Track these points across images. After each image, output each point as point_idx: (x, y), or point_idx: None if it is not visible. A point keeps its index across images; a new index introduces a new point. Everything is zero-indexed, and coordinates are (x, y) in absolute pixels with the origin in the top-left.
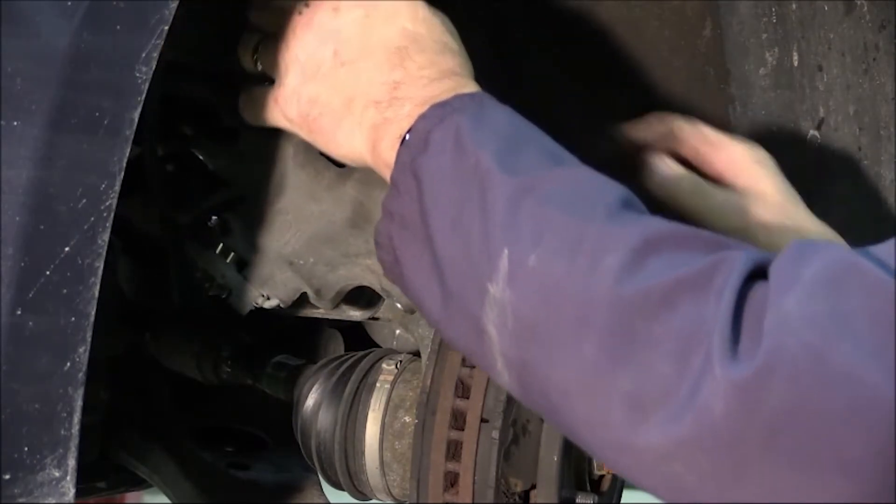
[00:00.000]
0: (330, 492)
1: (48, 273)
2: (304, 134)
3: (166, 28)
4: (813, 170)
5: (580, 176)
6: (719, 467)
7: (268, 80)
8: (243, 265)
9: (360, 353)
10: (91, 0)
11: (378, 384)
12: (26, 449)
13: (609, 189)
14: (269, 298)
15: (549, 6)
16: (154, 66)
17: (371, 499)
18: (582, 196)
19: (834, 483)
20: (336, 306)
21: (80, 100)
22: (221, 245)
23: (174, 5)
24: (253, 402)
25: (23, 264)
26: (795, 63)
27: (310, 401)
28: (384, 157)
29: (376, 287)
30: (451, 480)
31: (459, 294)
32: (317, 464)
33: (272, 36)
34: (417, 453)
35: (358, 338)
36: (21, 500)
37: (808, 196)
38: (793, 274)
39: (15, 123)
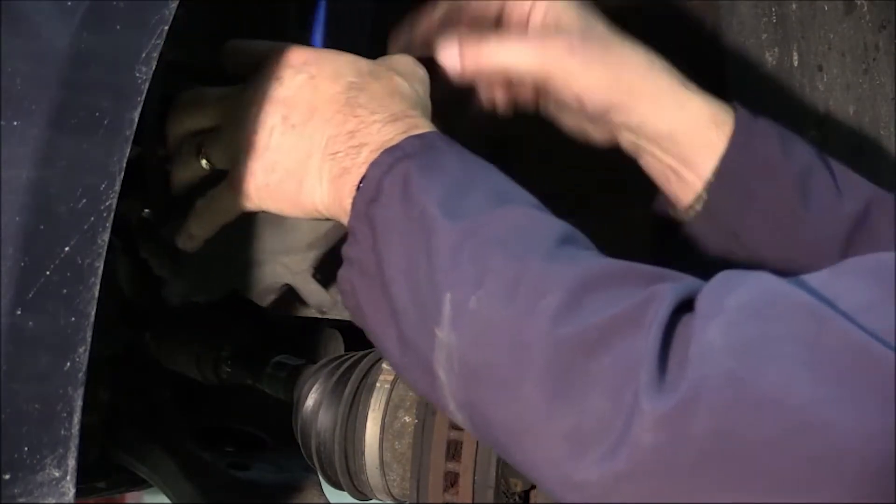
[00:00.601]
0: (330, 492)
1: (48, 273)
2: (270, 205)
3: (166, 28)
4: None
5: (521, 215)
6: (657, 498)
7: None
8: (177, 259)
9: (360, 353)
10: (91, 0)
11: (378, 384)
12: (26, 449)
13: (549, 227)
14: (200, 293)
15: None
16: (154, 66)
17: (371, 499)
18: (521, 236)
19: None
20: (272, 303)
21: (80, 100)
22: (156, 237)
23: (174, 5)
24: (253, 402)
25: (23, 264)
26: (795, 63)
27: (310, 401)
28: (345, 206)
29: (292, 284)
30: (451, 480)
31: (413, 340)
32: (317, 464)
33: (214, 129)
34: (417, 453)
35: (358, 338)
36: (21, 500)
37: None
38: (717, 303)
39: (15, 123)
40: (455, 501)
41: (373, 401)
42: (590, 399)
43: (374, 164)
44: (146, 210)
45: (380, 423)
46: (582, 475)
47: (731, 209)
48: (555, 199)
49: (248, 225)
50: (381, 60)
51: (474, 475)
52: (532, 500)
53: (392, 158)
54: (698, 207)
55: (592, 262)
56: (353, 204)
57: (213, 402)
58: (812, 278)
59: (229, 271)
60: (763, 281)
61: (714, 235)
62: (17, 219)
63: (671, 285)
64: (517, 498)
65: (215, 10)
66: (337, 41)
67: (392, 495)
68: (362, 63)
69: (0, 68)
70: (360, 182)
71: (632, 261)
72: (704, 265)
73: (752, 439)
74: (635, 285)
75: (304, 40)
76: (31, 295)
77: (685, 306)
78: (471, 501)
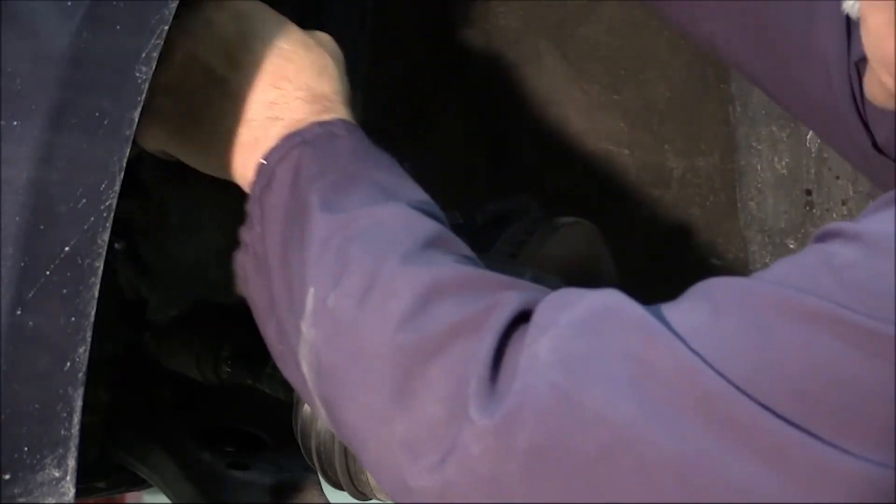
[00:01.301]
0: (330, 492)
1: (48, 273)
2: (177, 150)
3: (166, 28)
4: (813, 169)
5: (393, 214)
6: None
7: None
8: (148, 272)
9: None
10: (91, 0)
11: None
12: (26, 449)
13: (418, 228)
14: (174, 307)
15: (550, 7)
16: (154, 66)
17: (371, 499)
18: (388, 235)
19: None
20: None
21: (80, 100)
22: (125, 250)
23: (174, 5)
24: (253, 402)
25: (23, 264)
26: None
27: None
28: (247, 178)
29: None
30: None
31: (286, 331)
32: (317, 464)
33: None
34: None
35: None
36: (21, 500)
37: (809, 195)
38: (552, 317)
39: (15, 123)
40: None
41: None
42: (426, 405)
43: (273, 150)
44: (117, 244)
45: None
46: (416, 482)
47: None
48: (553, 201)
49: (209, 230)
50: (310, 34)
51: None
52: None
53: (290, 144)
54: None
55: (446, 268)
56: (252, 188)
57: (213, 402)
58: (668, 307)
59: (199, 280)
60: (602, 297)
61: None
62: (17, 219)
63: (516, 294)
64: None
65: None
66: (337, 41)
67: None
68: (296, 32)
69: (0, 68)
70: (261, 164)
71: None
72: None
73: (579, 454)
74: (482, 293)
75: None
76: (31, 295)
77: (527, 317)
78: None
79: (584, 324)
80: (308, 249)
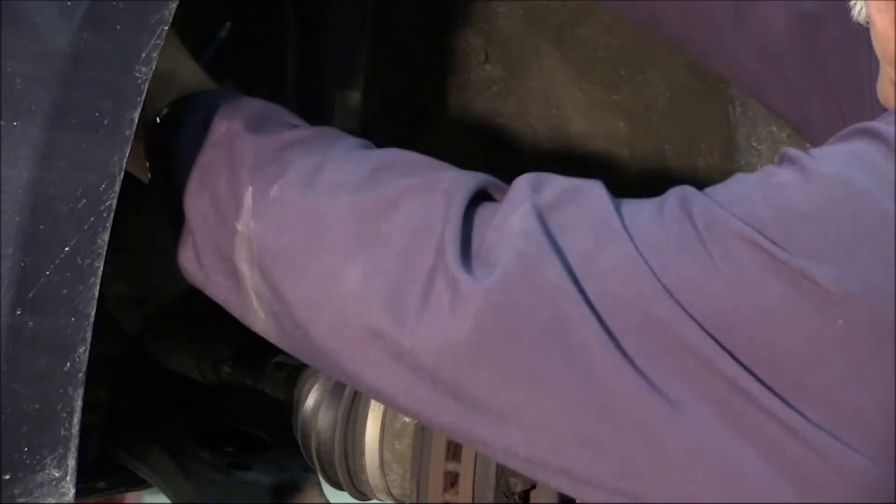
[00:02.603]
0: (330, 492)
1: (48, 273)
2: None
3: (166, 28)
4: None
5: (323, 129)
6: (443, 359)
7: None
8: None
9: None
10: (91, 0)
11: None
12: (26, 449)
13: (349, 137)
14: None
15: (550, 7)
16: (154, 66)
17: (371, 499)
18: (324, 142)
19: (538, 394)
20: None
21: (80, 100)
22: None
23: (174, 5)
24: (253, 402)
25: (23, 264)
26: None
27: (310, 401)
28: (147, 135)
29: None
30: (451, 480)
31: (210, 244)
32: (317, 464)
33: None
34: (417, 453)
35: None
36: (21, 500)
37: None
38: (525, 194)
39: (15, 123)
40: (455, 501)
41: (373, 401)
42: (378, 257)
43: (175, 104)
44: None
45: (380, 423)
46: (378, 329)
47: None
48: None
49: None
50: (182, 49)
51: (474, 475)
52: (532, 500)
53: (196, 98)
54: None
55: (393, 153)
56: (151, 142)
57: (213, 402)
58: (628, 202)
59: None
60: (574, 180)
61: None
62: (17, 219)
63: (469, 172)
64: (517, 498)
65: (215, 9)
66: (337, 41)
67: (392, 495)
68: (180, 46)
69: (0, 68)
70: (165, 114)
71: None
72: None
73: (527, 316)
74: (432, 167)
75: (305, 39)
76: (31, 295)
77: (482, 194)
78: (471, 501)
79: (554, 202)
80: (240, 162)
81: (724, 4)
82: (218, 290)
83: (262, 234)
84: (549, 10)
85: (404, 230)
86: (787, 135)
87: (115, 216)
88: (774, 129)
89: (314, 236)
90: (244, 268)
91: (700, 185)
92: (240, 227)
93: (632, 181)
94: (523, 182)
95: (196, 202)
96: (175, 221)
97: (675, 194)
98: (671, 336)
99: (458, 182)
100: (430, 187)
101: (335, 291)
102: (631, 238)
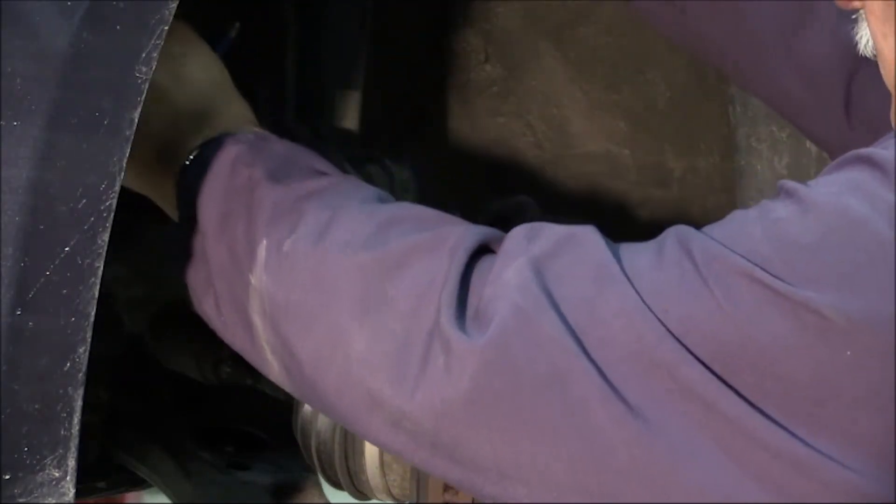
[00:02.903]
0: (330, 492)
1: (48, 273)
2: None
3: (166, 28)
4: (813, 169)
5: (342, 180)
6: (444, 419)
7: None
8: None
9: None
10: (91, 0)
11: None
12: (26, 449)
13: (369, 188)
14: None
15: (550, 7)
16: (154, 66)
17: (371, 499)
18: (340, 194)
19: (539, 450)
20: None
21: (80, 100)
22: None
23: (174, 5)
24: (253, 402)
25: (23, 264)
26: None
27: None
28: (174, 176)
29: None
30: None
31: (228, 293)
32: (317, 464)
33: None
34: None
35: None
36: (21, 500)
37: None
38: (522, 246)
39: (15, 123)
40: (455, 501)
41: None
42: (385, 320)
43: (205, 145)
44: None
45: None
46: (378, 394)
47: None
48: (553, 201)
49: None
50: (228, 85)
51: None
52: None
53: (223, 141)
54: None
55: (402, 207)
56: (180, 183)
57: (213, 402)
58: (626, 246)
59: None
60: (570, 228)
61: (661, 8)
62: (17, 219)
63: (474, 227)
64: None
65: (215, 9)
66: (337, 41)
67: (392, 495)
68: (227, 82)
69: (0, 68)
70: (189, 160)
71: None
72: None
73: (525, 372)
74: (440, 223)
75: (305, 39)
76: (31, 295)
77: (485, 249)
78: (471, 502)
79: (549, 252)
80: (257, 213)
81: (772, 30)
82: (235, 339)
83: (274, 290)
84: (549, 10)
85: (409, 293)
86: (788, 135)
87: (135, 220)
88: (774, 128)
89: (323, 295)
90: (257, 320)
91: (700, 185)
92: (253, 280)
93: (632, 181)
94: (518, 234)
95: (216, 251)
96: (199, 268)
97: (673, 235)
98: (676, 379)
99: (462, 238)
100: (436, 245)
101: (342, 353)
102: (631, 283)
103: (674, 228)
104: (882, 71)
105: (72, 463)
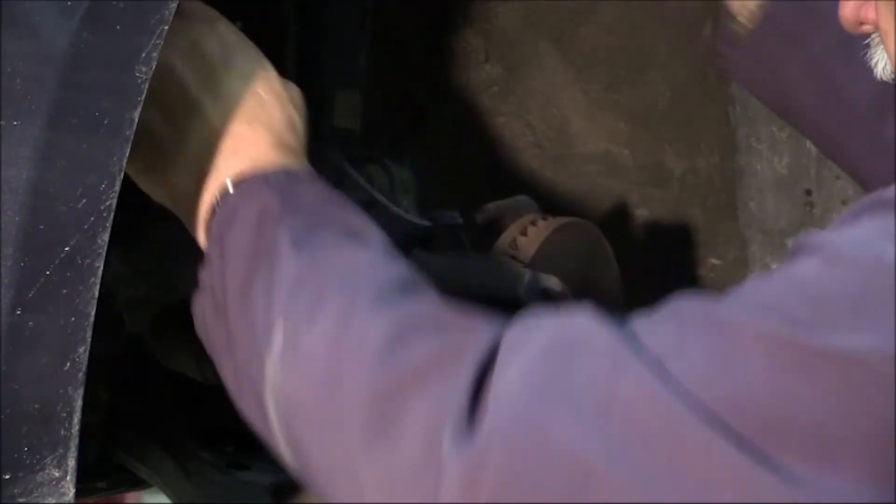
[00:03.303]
0: None
1: (48, 273)
2: (130, 166)
3: (166, 28)
4: (813, 169)
5: (366, 257)
6: None
7: None
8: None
9: None
10: (91, 0)
11: None
12: (26, 449)
13: (391, 270)
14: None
15: (550, 7)
16: (154, 66)
17: None
18: (361, 276)
19: None
20: None
21: (80, 100)
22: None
23: (174, 5)
24: None
25: (23, 264)
26: None
27: None
28: (204, 213)
29: None
30: None
31: (246, 369)
32: None
33: None
34: None
35: None
36: (21, 500)
37: (809, 195)
38: (517, 348)
39: (15, 123)
40: None
41: None
42: (402, 443)
43: (236, 187)
44: None
45: None
46: None
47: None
48: (553, 201)
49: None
50: (286, 84)
51: None
52: None
53: (253, 184)
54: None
55: (419, 304)
56: (209, 228)
57: (213, 402)
58: (638, 321)
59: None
60: (567, 321)
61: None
62: (17, 219)
63: (489, 327)
64: None
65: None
66: (337, 41)
67: None
68: (275, 80)
69: (0, 68)
70: (221, 199)
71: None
72: None
73: (542, 492)
74: (456, 327)
75: (305, 39)
76: (31, 295)
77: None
78: None
79: (549, 352)
80: (278, 285)
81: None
82: (249, 413)
83: (288, 389)
84: (549, 10)
85: (428, 412)
86: (788, 135)
87: (140, 221)
88: (774, 129)
89: (336, 404)
90: (271, 412)
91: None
92: (269, 370)
93: (632, 181)
94: (514, 334)
95: (238, 322)
96: (220, 328)
97: (687, 308)
98: (711, 460)
99: (477, 348)
100: (453, 359)
101: (356, 473)
102: (648, 366)
103: (683, 303)
104: None
105: (72, 463)
